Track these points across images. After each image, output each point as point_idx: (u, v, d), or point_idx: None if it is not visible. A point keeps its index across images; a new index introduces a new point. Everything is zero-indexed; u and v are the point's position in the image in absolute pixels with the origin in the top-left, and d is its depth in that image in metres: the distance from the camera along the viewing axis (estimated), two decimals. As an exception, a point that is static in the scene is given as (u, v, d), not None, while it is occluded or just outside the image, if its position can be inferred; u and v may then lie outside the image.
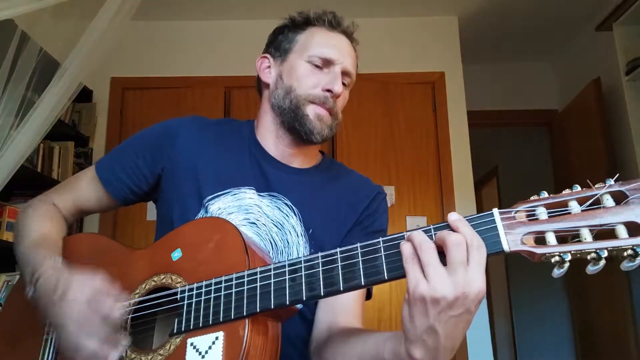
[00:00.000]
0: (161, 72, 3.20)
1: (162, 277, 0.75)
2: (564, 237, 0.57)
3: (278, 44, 1.01)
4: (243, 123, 1.06)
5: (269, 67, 1.02)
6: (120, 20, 1.86)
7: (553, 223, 0.57)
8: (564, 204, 0.58)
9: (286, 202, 0.94)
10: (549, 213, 0.58)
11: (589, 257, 0.54)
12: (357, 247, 0.65)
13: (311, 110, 0.94)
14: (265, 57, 1.03)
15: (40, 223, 0.93)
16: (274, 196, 0.94)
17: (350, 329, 0.84)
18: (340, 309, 0.89)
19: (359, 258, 0.64)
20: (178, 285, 0.73)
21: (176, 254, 0.76)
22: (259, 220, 0.91)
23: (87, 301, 0.70)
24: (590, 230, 0.55)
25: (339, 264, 0.65)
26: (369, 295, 0.96)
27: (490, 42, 3.62)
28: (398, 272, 0.62)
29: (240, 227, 0.87)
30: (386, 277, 0.62)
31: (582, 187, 0.58)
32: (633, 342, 2.87)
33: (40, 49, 1.92)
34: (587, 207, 0.56)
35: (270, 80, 1.01)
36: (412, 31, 3.32)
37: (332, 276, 0.65)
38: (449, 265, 0.58)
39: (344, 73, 0.98)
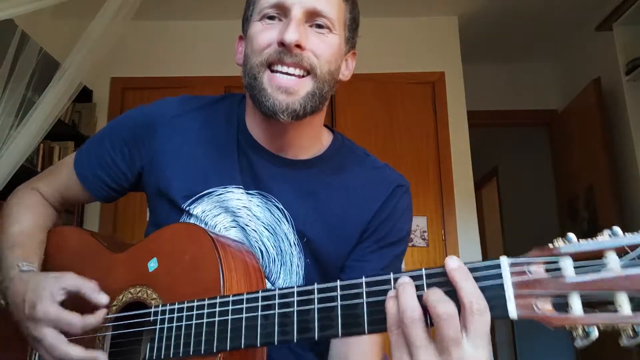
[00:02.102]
0: (161, 72, 3.20)
1: (139, 289, 0.73)
2: (592, 302, 0.44)
3: (244, 18, 0.85)
4: (236, 101, 0.89)
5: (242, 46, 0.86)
6: (120, 20, 1.86)
7: (580, 283, 0.43)
8: (598, 255, 0.43)
9: (277, 204, 0.81)
10: (576, 267, 0.44)
11: (622, 332, 0.42)
12: (336, 286, 0.55)
13: (267, 81, 0.75)
14: (241, 37, 0.87)
15: (23, 215, 0.85)
16: (264, 196, 0.81)
17: None
18: (353, 339, 0.78)
19: (337, 302, 0.54)
20: (153, 302, 0.70)
21: (152, 264, 0.73)
22: (249, 226, 0.80)
23: (53, 323, 0.67)
24: (630, 297, 0.41)
25: (315, 305, 0.55)
26: None
27: (490, 42, 3.62)
28: (381, 326, 0.51)
29: (230, 230, 0.82)
30: (366, 331, 0.52)
31: (624, 232, 0.43)
32: (633, 342, 2.87)
33: (40, 49, 1.92)
34: (629, 262, 0.42)
35: (242, 60, 0.84)
36: (412, 31, 3.32)
37: (307, 320, 0.56)
38: (438, 342, 0.47)
39: (311, 13, 0.75)
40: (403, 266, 0.94)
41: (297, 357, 0.83)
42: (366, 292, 0.53)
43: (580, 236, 0.46)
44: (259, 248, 0.81)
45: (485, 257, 0.51)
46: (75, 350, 0.66)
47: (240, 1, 0.89)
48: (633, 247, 0.42)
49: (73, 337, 0.69)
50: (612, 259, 0.43)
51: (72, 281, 0.70)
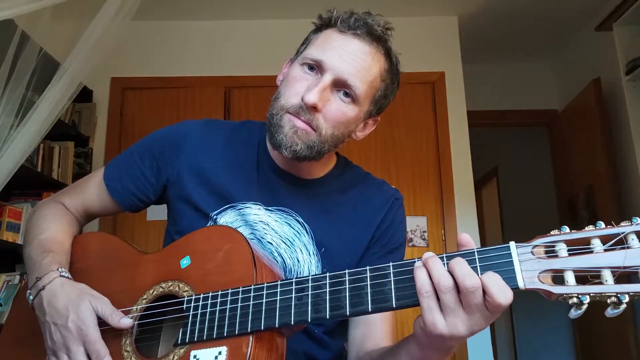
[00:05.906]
0: (161, 72, 3.20)
1: (170, 284, 0.75)
2: (583, 277, 0.54)
3: (299, 49, 0.92)
4: (256, 127, 0.98)
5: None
6: (120, 20, 1.86)
7: (573, 261, 0.54)
8: (586, 242, 0.55)
9: (297, 218, 0.90)
10: (569, 250, 0.55)
11: (609, 300, 0.52)
12: (366, 269, 0.63)
13: (287, 121, 0.83)
14: (291, 59, 0.94)
15: (50, 224, 0.91)
16: (284, 211, 0.90)
17: (374, 351, 0.83)
18: (368, 333, 0.88)
19: (367, 282, 0.62)
20: (185, 294, 0.72)
21: (185, 262, 0.76)
22: (265, 238, 0.88)
23: (84, 342, 0.71)
24: (613, 272, 0.52)
25: (347, 286, 0.63)
26: None
27: (490, 42, 3.62)
28: (408, 300, 0.60)
29: None
30: (394, 305, 0.60)
31: (606, 225, 0.55)
32: (633, 343, 2.86)
33: (40, 49, 1.93)
34: (610, 246, 0.53)
35: (279, 83, 0.93)
36: (412, 31, 3.32)
37: (339, 298, 0.63)
38: (466, 307, 0.57)
39: (340, 82, 0.83)
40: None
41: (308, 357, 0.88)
42: (393, 272, 0.62)
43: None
44: (275, 259, 0.88)
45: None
46: None
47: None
48: (614, 236, 0.54)
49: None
50: (597, 244, 0.54)
51: (103, 308, 0.74)
